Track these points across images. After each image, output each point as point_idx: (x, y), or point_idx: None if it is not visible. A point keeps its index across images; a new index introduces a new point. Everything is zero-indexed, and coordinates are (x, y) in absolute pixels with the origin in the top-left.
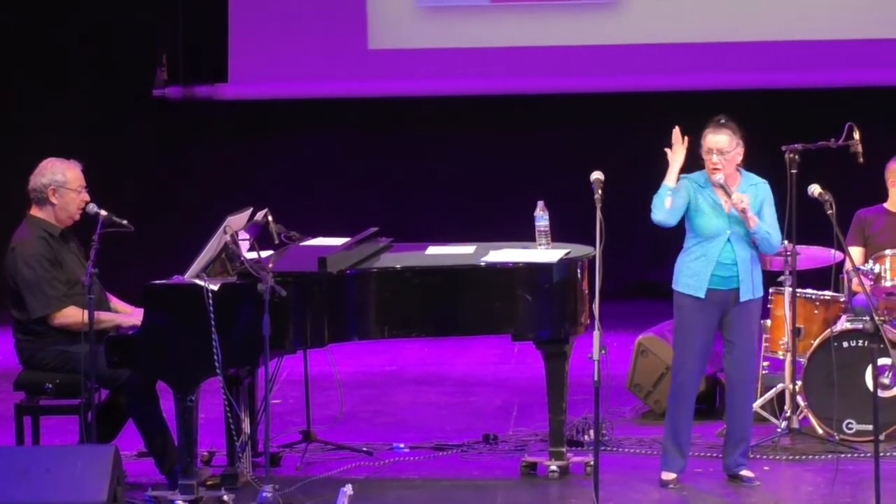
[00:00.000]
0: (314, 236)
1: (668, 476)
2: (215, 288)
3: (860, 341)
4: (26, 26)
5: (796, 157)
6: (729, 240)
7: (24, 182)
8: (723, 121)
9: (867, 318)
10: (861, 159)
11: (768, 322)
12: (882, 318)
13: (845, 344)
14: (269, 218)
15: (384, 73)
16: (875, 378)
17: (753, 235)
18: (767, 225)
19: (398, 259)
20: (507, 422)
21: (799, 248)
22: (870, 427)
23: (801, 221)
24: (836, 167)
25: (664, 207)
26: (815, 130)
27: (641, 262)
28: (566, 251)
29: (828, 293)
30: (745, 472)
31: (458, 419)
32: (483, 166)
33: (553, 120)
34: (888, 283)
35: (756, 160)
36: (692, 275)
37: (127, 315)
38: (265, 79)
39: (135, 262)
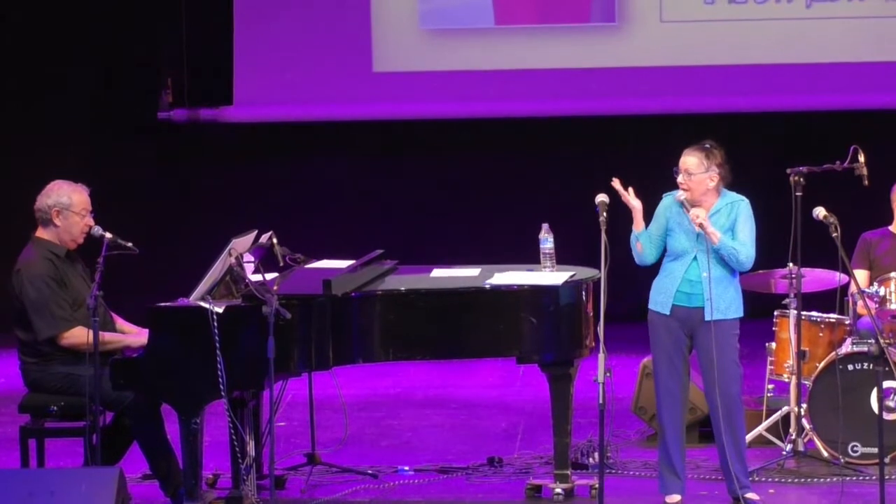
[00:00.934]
0: (319, 259)
1: (671, 499)
2: (220, 310)
3: (865, 364)
4: (32, 48)
5: (801, 179)
6: (696, 257)
7: (29, 204)
8: (707, 145)
9: (872, 340)
10: (866, 182)
11: (773, 345)
12: (887, 340)
13: (850, 367)
14: (274, 240)
15: (389, 95)
16: (880, 401)
17: (719, 251)
18: (738, 241)
19: (403, 281)
20: (512, 444)
21: (804, 270)
22: (875, 450)
23: (807, 244)
24: (841, 190)
25: (637, 251)
26: (820, 153)
27: (646, 284)
28: (571, 273)
29: (833, 316)
30: (749, 495)
31: (463, 442)
32: (487, 188)
33: (558, 142)
34: (893, 306)
35: (760, 183)
36: (660, 291)
37: (134, 335)
38: (270, 102)
39: (139, 284)
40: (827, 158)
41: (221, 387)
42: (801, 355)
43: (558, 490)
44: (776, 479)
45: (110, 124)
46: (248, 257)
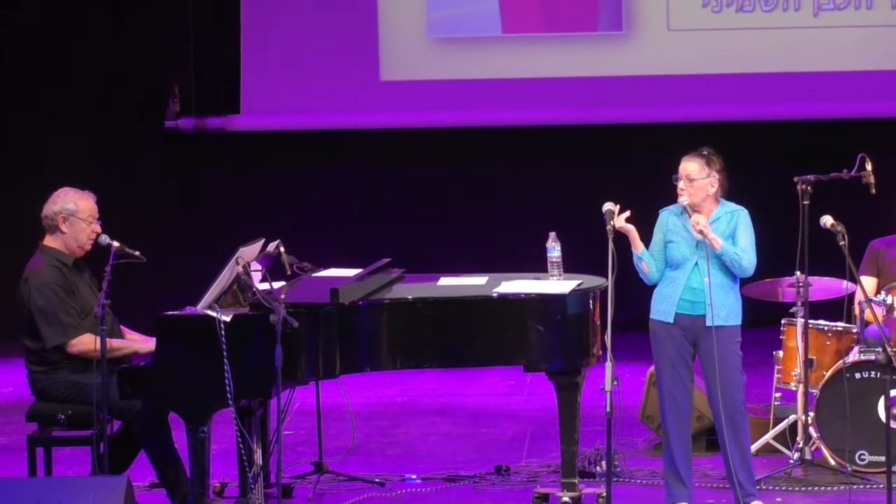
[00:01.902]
0: (326, 267)
1: None
2: (227, 319)
3: (873, 372)
4: (40, 57)
5: (809, 188)
6: (697, 264)
7: (36, 214)
8: (706, 152)
9: (880, 349)
10: (874, 190)
11: (780, 353)
12: (895, 349)
13: (858, 375)
14: (282, 249)
15: (396, 104)
16: (888, 409)
17: (721, 257)
18: (739, 248)
19: (410, 290)
20: (520, 453)
21: (811, 279)
22: (882, 458)
23: (814, 252)
24: (849, 198)
25: (643, 272)
26: (828, 162)
27: (652, 293)
28: (578, 282)
29: (840, 324)
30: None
31: (470, 450)
32: (495, 197)
33: (565, 150)
34: None
35: (768, 192)
36: (662, 300)
37: (142, 341)
38: (277, 110)
39: (147, 293)
40: (834, 167)
41: (229, 395)
42: (808, 364)
43: (566, 498)
44: (783, 488)
45: (118, 133)
46: (255, 266)
